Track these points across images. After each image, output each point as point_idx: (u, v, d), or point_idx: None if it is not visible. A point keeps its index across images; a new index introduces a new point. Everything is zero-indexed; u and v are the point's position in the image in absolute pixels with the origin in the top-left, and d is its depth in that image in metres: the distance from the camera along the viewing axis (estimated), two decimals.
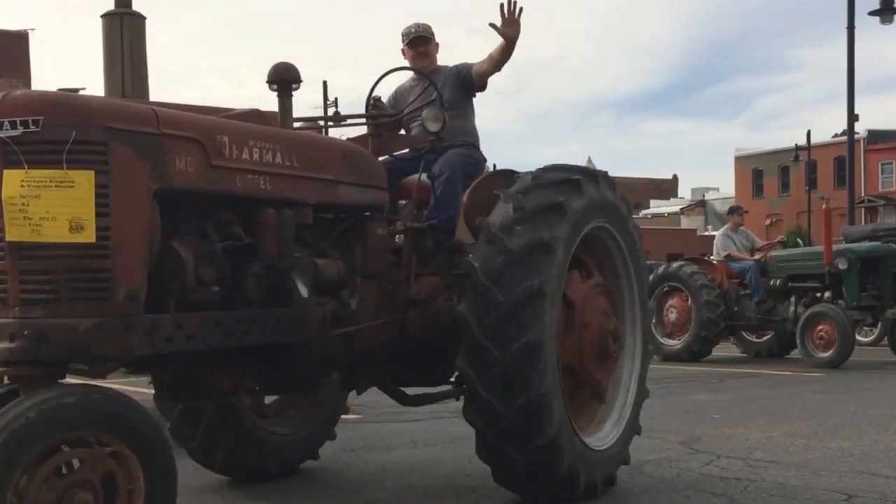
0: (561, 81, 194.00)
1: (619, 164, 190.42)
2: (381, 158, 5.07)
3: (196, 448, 4.96)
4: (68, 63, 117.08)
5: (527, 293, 4.12)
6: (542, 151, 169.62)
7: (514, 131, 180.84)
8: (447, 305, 4.51)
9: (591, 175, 4.69)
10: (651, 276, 14.60)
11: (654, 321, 13.85)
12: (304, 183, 3.96)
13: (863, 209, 49.50)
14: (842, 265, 12.33)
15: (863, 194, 50.42)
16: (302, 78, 4.40)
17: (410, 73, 5.61)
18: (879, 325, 14.43)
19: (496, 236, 4.27)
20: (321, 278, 4.01)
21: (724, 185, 72.89)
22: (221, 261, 3.58)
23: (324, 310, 4.00)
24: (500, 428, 4.17)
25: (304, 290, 3.82)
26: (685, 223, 67.33)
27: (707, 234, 52.20)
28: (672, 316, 13.68)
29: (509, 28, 5.17)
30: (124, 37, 3.80)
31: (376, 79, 5.28)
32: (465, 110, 5.50)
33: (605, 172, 4.84)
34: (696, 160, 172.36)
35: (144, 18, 3.87)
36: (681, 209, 72.47)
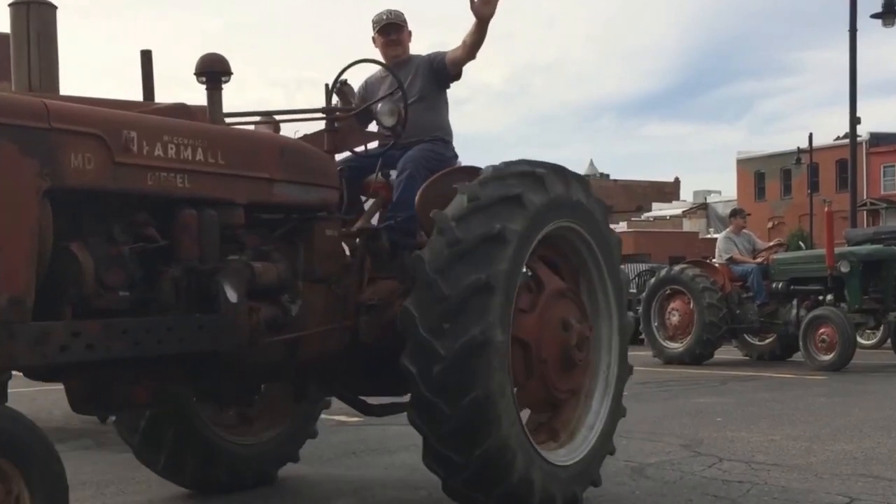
0: (562, 84, 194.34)
1: (621, 166, 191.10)
2: (345, 155, 4.86)
3: (162, 470, 4.80)
4: (64, 63, 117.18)
5: (474, 286, 3.85)
6: (544, 154, 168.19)
7: (516, 134, 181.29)
8: None
9: (559, 173, 4.43)
10: (653, 279, 14.63)
11: (655, 324, 13.90)
12: (232, 181, 3.72)
13: (865, 212, 49.47)
14: (844, 268, 12.33)
15: (865, 197, 50.38)
16: (233, 70, 4.05)
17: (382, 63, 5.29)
18: (882, 328, 14.41)
19: (447, 227, 4.01)
20: (257, 282, 3.77)
21: (726, 187, 72.91)
22: (130, 264, 3.34)
23: (258, 316, 3.75)
24: (445, 431, 3.88)
25: (232, 295, 3.57)
26: (687, 226, 67.25)
27: (709, 236, 52.19)
28: (674, 319, 13.69)
29: (484, 6, 4.80)
30: (31, 27, 3.61)
31: (340, 69, 4.92)
32: (436, 103, 5.22)
33: (582, 176, 4.60)
34: (697, 163, 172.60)
35: (55, 8, 3.67)
36: (683, 212, 72.37)
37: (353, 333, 4.26)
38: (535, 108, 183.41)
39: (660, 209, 75.78)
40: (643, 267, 22.13)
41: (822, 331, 12.02)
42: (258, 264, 3.81)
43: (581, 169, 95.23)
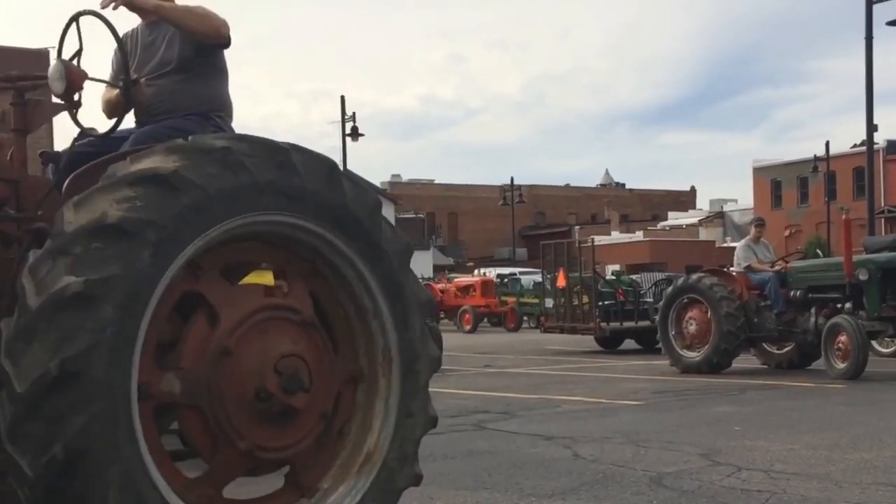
0: (578, 94, 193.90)
1: (637, 176, 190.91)
2: (83, 140, 3.82)
3: None
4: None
5: (44, 381, 2.78)
6: (560, 164, 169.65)
7: (531, 144, 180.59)
8: None
9: (217, 154, 3.16)
10: (670, 288, 14.60)
11: (673, 333, 13.86)
12: None
13: (883, 219, 49.23)
14: (862, 276, 12.26)
15: (882, 204, 50.10)
16: None
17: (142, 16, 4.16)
18: None
19: (24, 284, 2.93)
20: None
21: (742, 196, 72.82)
22: None
23: None
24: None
25: None
26: (704, 235, 67.16)
27: (726, 245, 52.06)
28: (692, 328, 13.65)
29: None
30: None
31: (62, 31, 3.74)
32: (197, 70, 4.04)
33: (370, 180, 3.50)
34: (714, 172, 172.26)
35: None
36: (699, 221, 72.29)
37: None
38: (551, 118, 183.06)
39: (676, 218, 75.74)
40: (660, 276, 22.09)
41: (839, 339, 11.97)
42: None
43: (597, 178, 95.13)
